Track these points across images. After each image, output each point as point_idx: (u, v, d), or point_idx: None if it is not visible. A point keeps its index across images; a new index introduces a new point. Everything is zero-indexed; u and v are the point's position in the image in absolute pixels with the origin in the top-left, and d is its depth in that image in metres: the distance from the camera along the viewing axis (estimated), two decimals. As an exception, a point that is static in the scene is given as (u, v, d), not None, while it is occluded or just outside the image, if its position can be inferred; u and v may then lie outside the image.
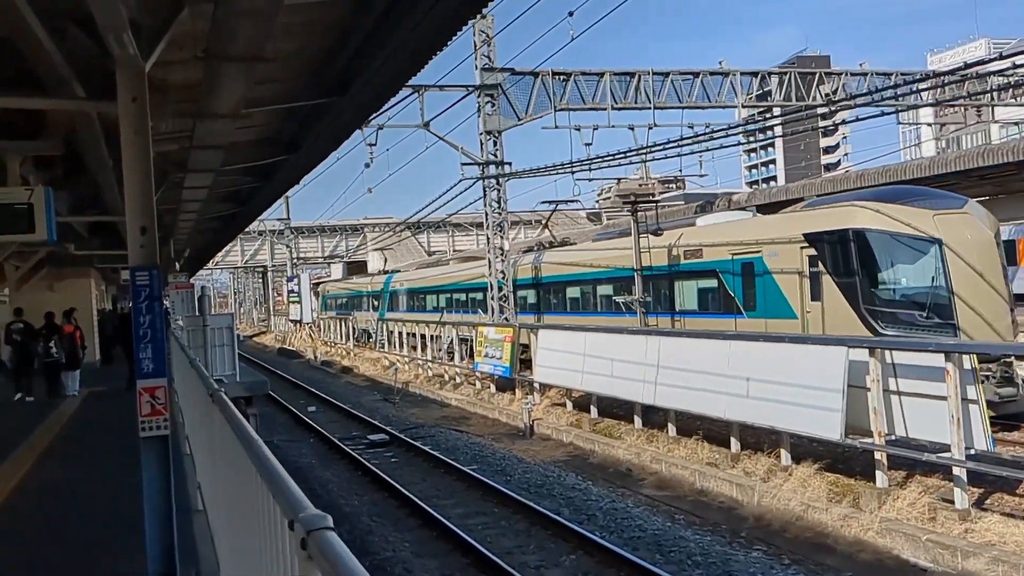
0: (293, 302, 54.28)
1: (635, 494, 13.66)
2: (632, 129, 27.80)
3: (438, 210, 31.28)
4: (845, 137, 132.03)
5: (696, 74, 28.52)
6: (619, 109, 27.49)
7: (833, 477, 12.43)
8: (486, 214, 26.96)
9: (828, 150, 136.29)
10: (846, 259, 15.83)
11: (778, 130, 37.93)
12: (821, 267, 16.28)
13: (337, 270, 64.06)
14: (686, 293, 20.93)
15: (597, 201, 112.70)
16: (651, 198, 25.79)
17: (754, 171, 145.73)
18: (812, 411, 12.37)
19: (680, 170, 33.41)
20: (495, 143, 26.38)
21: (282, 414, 23.69)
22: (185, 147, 10.33)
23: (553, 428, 19.16)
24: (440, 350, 29.61)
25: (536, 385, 21.74)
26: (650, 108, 27.65)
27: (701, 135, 27.35)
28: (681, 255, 20.71)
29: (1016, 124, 49.97)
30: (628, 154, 25.04)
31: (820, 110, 33.87)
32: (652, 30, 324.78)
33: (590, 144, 27.10)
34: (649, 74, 27.65)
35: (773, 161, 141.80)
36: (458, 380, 27.23)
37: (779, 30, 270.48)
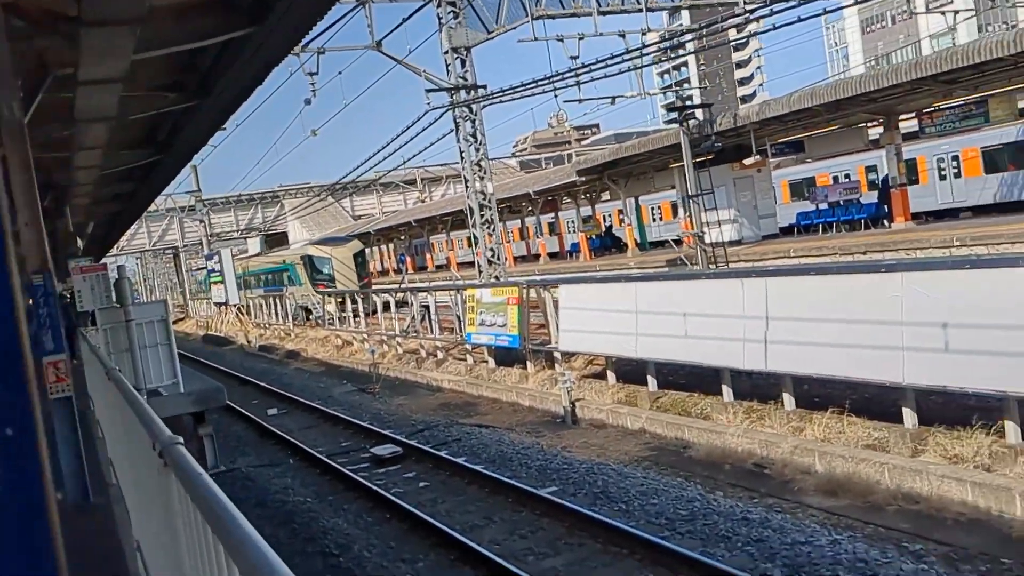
0: (215, 282, 48.20)
1: (803, 507, 9.34)
2: (623, 36, 23.23)
3: (381, 164, 26.25)
4: (759, 67, 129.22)
5: (691, -32, 24.01)
6: (606, 13, 22.81)
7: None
8: (460, 151, 22.07)
9: (743, 82, 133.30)
10: (306, 265, 39.16)
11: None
12: (303, 268, 39.48)
13: (254, 244, 57.94)
14: (279, 277, 42.35)
15: (513, 153, 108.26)
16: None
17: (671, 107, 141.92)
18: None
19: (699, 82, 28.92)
20: (463, 63, 21.44)
21: (237, 422, 18.49)
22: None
23: (606, 410, 14.67)
24: (411, 321, 24.80)
25: (557, 356, 17.40)
26: (641, 10, 23.02)
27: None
28: (281, 259, 43.31)
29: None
30: (624, 58, 20.48)
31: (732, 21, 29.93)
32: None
33: (576, 57, 22.44)
34: (638, -31, 22.99)
35: (691, 98, 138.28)
36: (439, 356, 22.56)
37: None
